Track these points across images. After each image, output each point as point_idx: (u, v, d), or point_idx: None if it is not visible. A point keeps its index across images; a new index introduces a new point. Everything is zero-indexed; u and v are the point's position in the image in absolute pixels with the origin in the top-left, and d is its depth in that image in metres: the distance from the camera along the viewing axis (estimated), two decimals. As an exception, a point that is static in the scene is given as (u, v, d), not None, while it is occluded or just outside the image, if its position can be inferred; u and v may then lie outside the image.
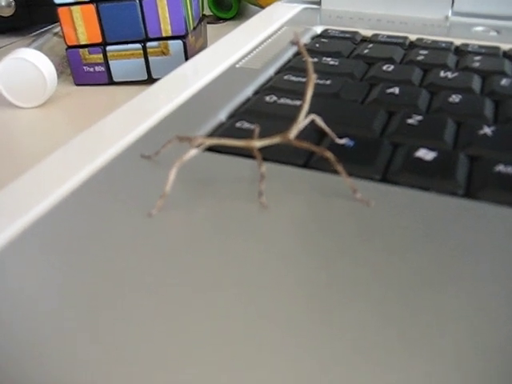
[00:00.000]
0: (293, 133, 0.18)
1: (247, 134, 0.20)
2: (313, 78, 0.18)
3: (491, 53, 0.29)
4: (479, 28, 0.34)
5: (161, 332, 0.12)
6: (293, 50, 0.30)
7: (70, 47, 0.35)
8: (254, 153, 0.17)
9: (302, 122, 0.18)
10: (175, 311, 0.13)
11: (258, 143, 0.18)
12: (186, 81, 0.26)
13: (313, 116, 0.19)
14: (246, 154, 0.19)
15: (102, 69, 0.36)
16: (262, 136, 0.20)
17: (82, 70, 0.36)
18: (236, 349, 0.12)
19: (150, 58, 0.35)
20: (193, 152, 0.17)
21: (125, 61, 0.36)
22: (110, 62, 0.36)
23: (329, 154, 0.17)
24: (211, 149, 0.20)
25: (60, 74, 0.38)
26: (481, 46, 0.30)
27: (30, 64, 0.32)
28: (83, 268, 0.14)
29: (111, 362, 0.12)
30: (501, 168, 0.18)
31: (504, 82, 0.25)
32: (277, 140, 0.18)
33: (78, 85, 0.37)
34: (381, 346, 0.12)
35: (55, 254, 0.15)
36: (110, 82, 0.36)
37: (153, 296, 0.13)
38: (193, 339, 0.12)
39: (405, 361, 0.12)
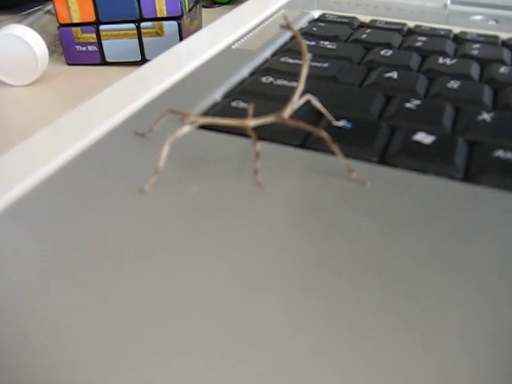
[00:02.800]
0: (287, 112, 0.17)
1: (242, 114, 0.20)
2: (307, 58, 0.17)
3: (490, 41, 0.29)
4: (478, 17, 0.33)
5: (152, 313, 0.12)
6: (289, 32, 0.30)
7: (62, 25, 0.35)
8: (248, 132, 0.17)
9: (297, 101, 0.18)
10: (168, 291, 0.12)
11: (251, 122, 0.17)
12: (180, 60, 0.25)
13: (308, 96, 0.19)
14: (240, 132, 0.19)
15: (95, 48, 0.35)
16: (256, 115, 0.19)
17: (74, 49, 0.35)
18: (230, 328, 0.12)
19: (144, 39, 0.35)
20: (186, 128, 0.16)
21: (118, 41, 0.35)
22: (103, 42, 0.35)
23: (324, 134, 0.16)
24: (205, 127, 0.19)
25: (52, 53, 0.37)
26: (479, 35, 0.30)
27: (21, 40, 0.31)
28: (73, 244, 0.14)
29: (97, 341, 0.11)
30: (500, 153, 0.18)
31: (503, 69, 0.25)
32: (271, 119, 0.17)
33: (69, 64, 0.36)
34: (378, 327, 0.12)
35: (44, 230, 0.14)
36: (103, 62, 0.36)
37: (144, 274, 0.13)
38: (185, 322, 0.12)
39: (403, 343, 0.11)
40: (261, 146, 0.18)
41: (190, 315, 0.12)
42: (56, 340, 0.11)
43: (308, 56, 0.17)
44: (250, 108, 0.18)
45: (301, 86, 0.17)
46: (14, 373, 0.10)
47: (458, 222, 0.15)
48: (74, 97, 0.32)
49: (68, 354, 0.11)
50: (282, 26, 0.18)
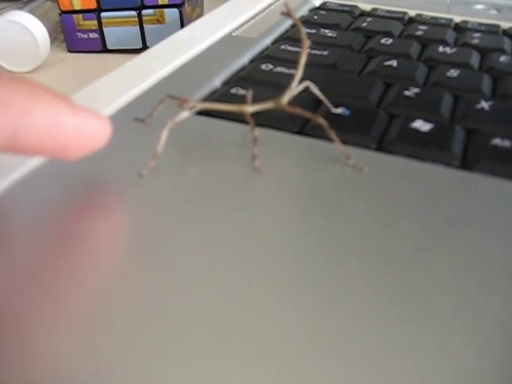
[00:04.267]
0: (285, 98, 0.17)
1: (242, 100, 0.20)
2: (306, 45, 0.17)
3: (491, 30, 0.29)
4: (479, 6, 0.33)
5: (151, 298, 0.12)
6: (290, 20, 0.30)
7: (63, 12, 0.35)
8: (247, 117, 0.17)
9: (296, 88, 0.18)
10: (165, 274, 0.13)
11: (250, 108, 0.17)
12: (181, 47, 0.25)
13: (307, 83, 0.19)
14: (238, 119, 0.19)
15: (96, 36, 0.35)
16: (255, 102, 0.19)
17: (75, 36, 0.35)
18: (226, 312, 0.12)
19: (146, 26, 0.35)
20: (185, 114, 0.16)
21: (119, 28, 0.35)
22: (105, 29, 0.35)
23: (321, 120, 0.16)
24: (204, 113, 0.19)
25: (53, 40, 0.37)
26: (480, 24, 0.30)
27: (22, 27, 0.31)
28: (71, 229, 0.14)
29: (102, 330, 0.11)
30: (497, 141, 0.18)
31: (503, 58, 0.25)
32: (269, 105, 0.18)
33: (71, 51, 0.36)
34: (373, 311, 0.12)
35: (44, 215, 0.15)
36: (104, 49, 0.36)
37: (141, 257, 0.13)
38: (184, 305, 0.12)
39: (396, 325, 0.11)
40: (259, 131, 0.18)
41: (189, 297, 0.12)
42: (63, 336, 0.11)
43: (307, 43, 0.17)
44: (249, 94, 0.18)
45: (299, 72, 0.17)
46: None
47: (454, 208, 0.15)
48: (75, 84, 0.32)
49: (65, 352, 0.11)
50: (283, 13, 0.18)
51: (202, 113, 0.19)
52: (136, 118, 0.19)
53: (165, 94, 0.21)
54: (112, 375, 0.10)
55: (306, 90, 0.20)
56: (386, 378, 0.10)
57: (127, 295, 0.12)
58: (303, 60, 0.18)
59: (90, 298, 0.12)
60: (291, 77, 0.22)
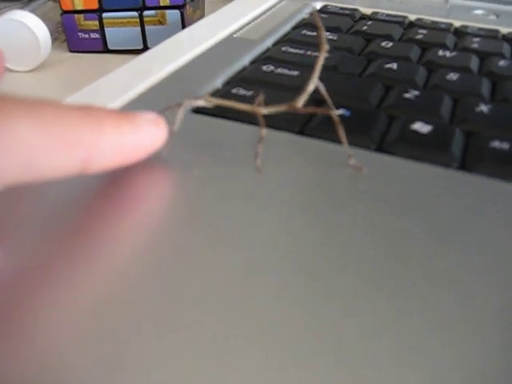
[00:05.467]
0: (301, 101, 0.17)
1: (244, 101, 0.20)
2: (324, 49, 0.17)
3: (490, 35, 0.29)
4: (479, 11, 0.34)
5: (158, 290, 0.12)
6: (291, 23, 0.30)
7: (65, 12, 0.35)
8: (259, 118, 0.17)
9: (310, 91, 0.18)
10: (170, 268, 0.13)
11: (264, 110, 0.17)
12: (182, 47, 0.26)
13: (317, 83, 0.19)
14: (243, 119, 0.19)
15: (98, 36, 0.35)
16: (267, 103, 0.19)
17: (76, 36, 0.35)
18: (229, 304, 0.12)
19: (147, 27, 0.35)
20: (200, 101, 0.17)
21: (121, 29, 0.35)
22: (106, 30, 0.35)
23: (334, 115, 0.16)
24: (209, 113, 0.19)
25: (54, 39, 0.37)
26: (480, 29, 0.30)
27: (24, 26, 0.31)
28: (78, 218, 0.14)
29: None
30: (496, 144, 0.18)
31: (502, 63, 0.25)
32: (284, 108, 0.18)
33: (72, 51, 0.36)
34: (372, 306, 0.12)
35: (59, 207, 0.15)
36: (105, 49, 0.36)
37: (143, 246, 0.13)
38: (188, 300, 0.12)
39: (397, 321, 0.12)
40: (265, 132, 0.18)
41: (191, 289, 0.12)
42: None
43: (326, 47, 0.17)
44: (261, 96, 0.18)
45: (316, 75, 0.17)
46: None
47: (452, 207, 0.15)
48: (76, 83, 0.32)
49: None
50: (311, 14, 0.18)
51: (207, 113, 0.19)
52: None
53: (167, 92, 0.21)
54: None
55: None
56: (386, 375, 0.10)
57: (125, 295, 0.12)
58: (320, 63, 0.17)
59: (86, 298, 0.12)
60: (306, 79, 0.22)
